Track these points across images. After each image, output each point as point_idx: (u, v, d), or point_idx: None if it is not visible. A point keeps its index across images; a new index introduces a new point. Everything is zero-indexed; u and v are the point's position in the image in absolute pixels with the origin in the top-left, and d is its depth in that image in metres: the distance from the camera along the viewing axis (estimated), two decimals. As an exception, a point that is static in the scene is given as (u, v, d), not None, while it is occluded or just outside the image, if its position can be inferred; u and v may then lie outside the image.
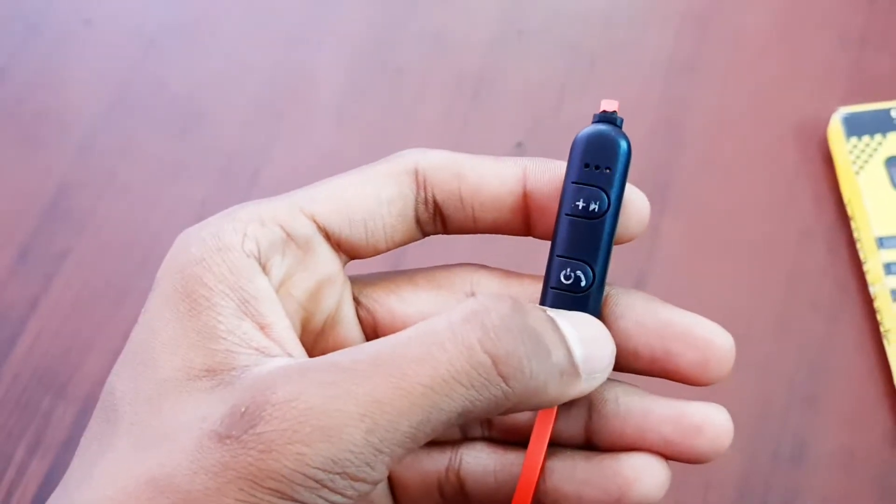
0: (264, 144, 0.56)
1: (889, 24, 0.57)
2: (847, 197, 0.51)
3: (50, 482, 0.47)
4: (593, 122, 0.29)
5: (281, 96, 0.57)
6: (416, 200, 0.30)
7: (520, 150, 0.54)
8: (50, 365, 0.50)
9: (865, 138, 0.51)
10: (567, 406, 0.29)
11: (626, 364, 0.29)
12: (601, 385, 0.28)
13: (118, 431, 0.25)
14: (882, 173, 0.50)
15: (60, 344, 0.50)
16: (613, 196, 0.28)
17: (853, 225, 0.51)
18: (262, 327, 0.27)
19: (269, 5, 0.60)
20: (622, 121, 0.29)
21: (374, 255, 0.30)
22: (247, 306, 0.27)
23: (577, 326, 0.27)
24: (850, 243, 0.51)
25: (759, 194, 0.53)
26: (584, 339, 0.27)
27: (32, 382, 0.49)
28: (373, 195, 0.29)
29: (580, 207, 0.28)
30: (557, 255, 0.29)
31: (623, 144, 0.29)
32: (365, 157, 0.54)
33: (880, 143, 0.51)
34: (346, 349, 0.25)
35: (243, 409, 0.24)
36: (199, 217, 0.53)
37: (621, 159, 0.28)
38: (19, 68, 0.58)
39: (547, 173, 0.29)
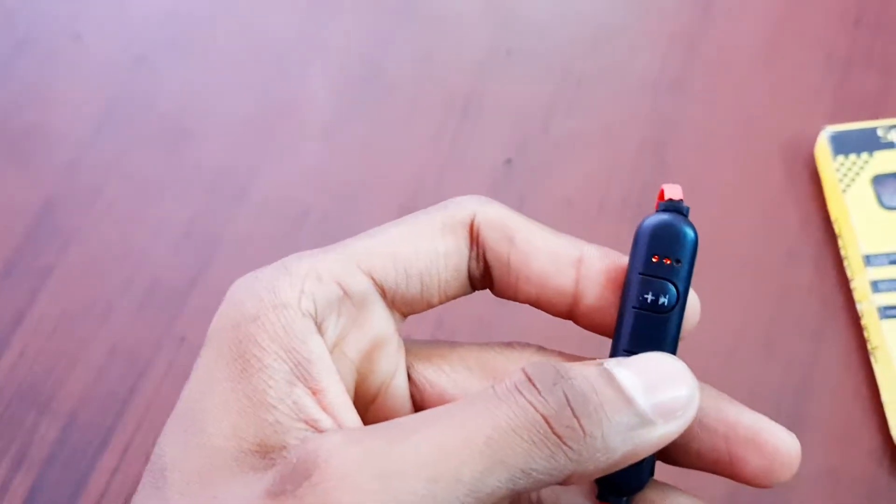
0: (253, 162, 0.56)
1: (874, 43, 0.57)
2: (834, 215, 0.51)
3: (33, 499, 0.46)
4: (658, 211, 0.28)
5: (270, 114, 0.57)
6: (469, 256, 0.29)
7: (509, 166, 0.54)
8: (34, 381, 0.49)
9: (852, 157, 0.51)
10: None
11: (686, 462, 0.28)
12: (664, 493, 0.28)
13: (166, 502, 0.25)
14: (869, 191, 0.50)
15: (45, 360, 0.50)
16: (682, 289, 0.27)
17: (840, 243, 0.51)
18: (314, 392, 0.26)
19: (260, 22, 0.61)
20: (688, 209, 0.28)
21: (426, 310, 0.29)
22: (300, 369, 0.25)
23: (641, 372, 0.25)
24: (837, 261, 0.51)
25: (745, 213, 0.53)
26: (651, 384, 0.25)
27: (16, 398, 0.49)
28: (430, 249, 0.28)
29: (649, 301, 0.27)
30: (624, 350, 0.27)
31: (692, 236, 0.27)
32: (354, 175, 0.55)
33: (867, 162, 0.51)
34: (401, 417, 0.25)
35: (294, 460, 0.23)
36: (187, 235, 0.53)
37: (691, 251, 0.27)
38: (7, 83, 0.58)
39: (605, 261, 0.28)
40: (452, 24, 0.60)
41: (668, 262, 0.27)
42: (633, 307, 0.27)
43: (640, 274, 0.27)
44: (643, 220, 0.28)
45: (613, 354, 0.28)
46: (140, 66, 0.59)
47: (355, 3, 0.61)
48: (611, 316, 0.28)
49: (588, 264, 0.28)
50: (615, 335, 0.28)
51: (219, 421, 0.25)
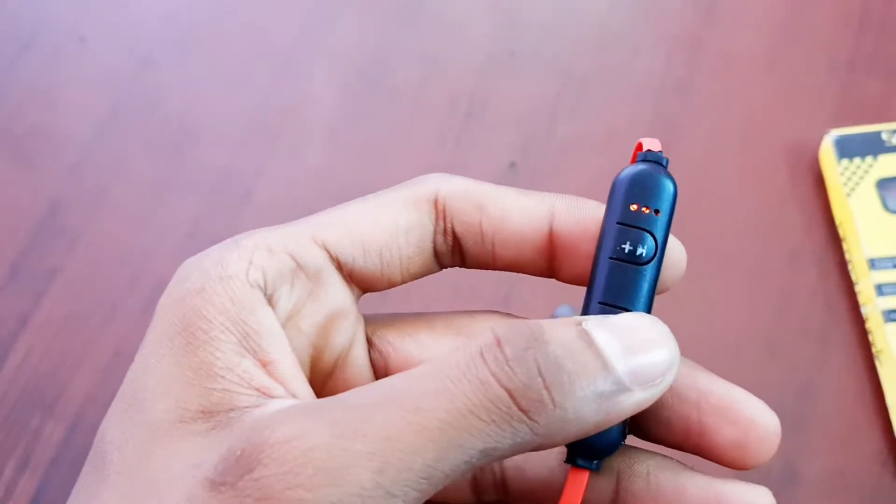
0: (257, 164, 0.56)
1: (878, 47, 0.57)
2: (839, 219, 0.51)
3: (38, 501, 0.46)
4: (637, 161, 0.27)
5: (274, 116, 0.57)
6: (435, 231, 0.28)
7: (513, 170, 0.54)
8: (39, 383, 0.49)
9: (857, 160, 0.51)
10: (592, 478, 0.26)
11: (656, 435, 0.27)
12: (632, 458, 0.27)
13: (105, 482, 0.24)
14: (873, 195, 0.50)
15: (50, 362, 0.50)
16: (661, 242, 0.26)
17: (844, 246, 0.51)
18: (264, 364, 0.25)
19: (264, 25, 0.61)
20: (668, 161, 0.27)
21: (388, 288, 0.28)
22: (248, 341, 0.25)
23: (620, 334, 0.24)
24: (842, 265, 0.51)
25: (750, 216, 0.53)
26: (629, 347, 0.24)
27: (21, 400, 0.49)
28: (390, 223, 0.27)
29: (626, 251, 0.26)
30: (599, 303, 0.26)
31: (672, 187, 0.26)
32: (358, 177, 0.55)
33: (871, 166, 0.51)
34: (357, 388, 0.23)
35: (239, 453, 0.22)
36: (191, 236, 0.53)
37: (670, 203, 0.26)
38: (12, 85, 0.58)
39: (577, 212, 0.27)
40: (456, 27, 0.60)
41: (647, 211, 0.26)
42: (610, 257, 0.26)
43: (617, 223, 0.26)
44: (621, 170, 0.27)
45: (586, 306, 0.26)
46: (145, 68, 0.59)
47: (359, 6, 0.61)
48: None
49: (560, 216, 0.27)
50: (589, 287, 0.27)
51: (161, 396, 0.24)
